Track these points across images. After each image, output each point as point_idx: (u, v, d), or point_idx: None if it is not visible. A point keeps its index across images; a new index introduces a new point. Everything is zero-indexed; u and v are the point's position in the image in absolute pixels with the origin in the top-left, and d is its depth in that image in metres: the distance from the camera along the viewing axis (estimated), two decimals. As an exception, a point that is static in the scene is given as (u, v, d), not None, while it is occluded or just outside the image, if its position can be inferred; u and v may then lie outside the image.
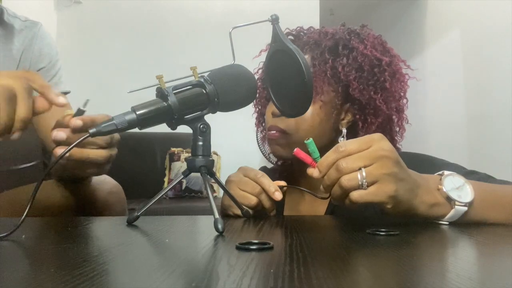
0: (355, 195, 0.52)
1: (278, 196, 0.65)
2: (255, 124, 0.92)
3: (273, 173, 0.91)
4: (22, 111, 0.54)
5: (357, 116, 0.78)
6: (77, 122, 0.55)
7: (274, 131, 0.78)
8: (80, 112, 0.57)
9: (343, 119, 0.80)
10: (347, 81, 0.77)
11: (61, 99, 0.55)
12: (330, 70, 0.77)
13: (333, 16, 4.35)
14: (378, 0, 4.08)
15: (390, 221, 0.66)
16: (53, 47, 0.98)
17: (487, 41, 2.79)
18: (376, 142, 0.54)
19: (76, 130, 0.55)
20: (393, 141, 0.82)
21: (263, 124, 0.89)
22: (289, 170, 0.89)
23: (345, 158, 0.53)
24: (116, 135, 0.65)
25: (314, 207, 0.82)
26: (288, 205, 0.85)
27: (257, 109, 0.91)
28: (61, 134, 0.55)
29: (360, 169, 0.52)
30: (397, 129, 0.82)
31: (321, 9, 3.33)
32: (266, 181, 0.67)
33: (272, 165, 0.97)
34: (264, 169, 0.96)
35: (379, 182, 0.52)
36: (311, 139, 0.59)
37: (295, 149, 0.60)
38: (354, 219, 0.70)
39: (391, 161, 0.52)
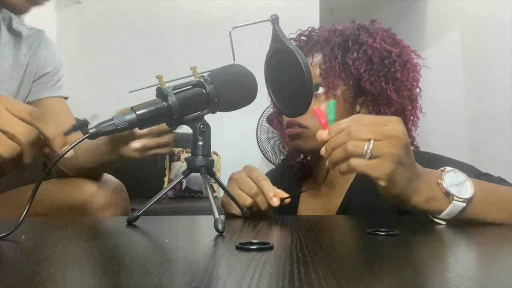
0: (354, 161, 0.52)
1: (275, 202, 0.66)
2: (270, 122, 0.94)
3: (290, 170, 0.93)
4: (25, 160, 0.55)
5: (370, 108, 0.80)
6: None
7: (294, 127, 0.80)
8: (84, 123, 0.57)
9: (358, 113, 0.82)
10: (358, 74, 0.79)
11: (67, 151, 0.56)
12: (341, 65, 0.79)
13: (333, 16, 4.35)
14: (378, 0, 4.08)
15: (390, 221, 0.66)
16: (57, 54, 1.04)
17: (487, 40, 2.78)
18: (392, 123, 0.54)
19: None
20: (407, 130, 0.82)
21: (282, 122, 0.90)
22: (306, 166, 0.92)
23: (358, 127, 0.53)
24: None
25: (329, 201, 0.83)
26: (303, 197, 0.88)
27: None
28: (135, 145, 0.72)
29: (369, 140, 0.52)
30: (411, 118, 0.83)
31: (321, 9, 3.33)
32: (267, 184, 0.67)
33: (280, 164, 1.01)
34: (282, 165, 0.99)
35: (381, 158, 0.52)
36: (334, 101, 0.59)
37: (315, 107, 0.60)
38: (354, 219, 0.70)
39: (400, 143, 0.53)
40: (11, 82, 0.92)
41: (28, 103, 0.98)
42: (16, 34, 0.95)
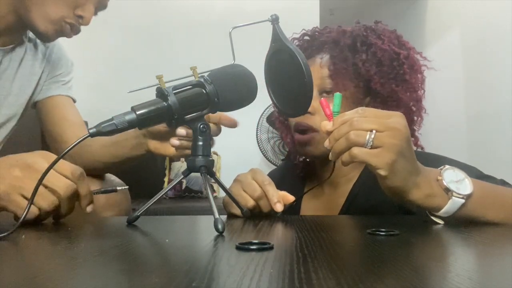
0: (356, 150, 0.53)
1: (279, 208, 0.66)
2: (272, 122, 0.95)
3: (293, 170, 0.93)
4: (62, 211, 0.63)
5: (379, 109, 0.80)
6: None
7: (303, 134, 0.79)
8: (111, 189, 0.73)
9: None
10: (368, 76, 0.79)
11: (89, 209, 0.64)
12: (351, 67, 0.79)
13: (333, 16, 4.35)
14: (378, 0, 4.08)
15: (390, 221, 0.66)
16: (68, 58, 1.11)
17: (487, 40, 2.78)
18: (395, 116, 0.55)
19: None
20: (411, 130, 0.83)
21: (285, 122, 0.90)
22: (309, 166, 0.92)
23: (361, 118, 0.54)
24: None
25: (332, 200, 0.83)
26: (306, 197, 0.88)
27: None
28: (174, 141, 0.72)
29: (371, 131, 0.53)
30: (416, 118, 0.84)
31: (321, 9, 3.32)
32: (271, 189, 0.67)
33: (282, 164, 1.02)
34: (285, 164, 0.99)
35: (383, 148, 0.53)
36: (340, 94, 0.60)
37: (321, 99, 0.60)
38: (355, 219, 0.70)
39: (402, 135, 0.53)
40: (29, 87, 1.01)
41: (38, 101, 1.04)
42: (33, 42, 1.03)
